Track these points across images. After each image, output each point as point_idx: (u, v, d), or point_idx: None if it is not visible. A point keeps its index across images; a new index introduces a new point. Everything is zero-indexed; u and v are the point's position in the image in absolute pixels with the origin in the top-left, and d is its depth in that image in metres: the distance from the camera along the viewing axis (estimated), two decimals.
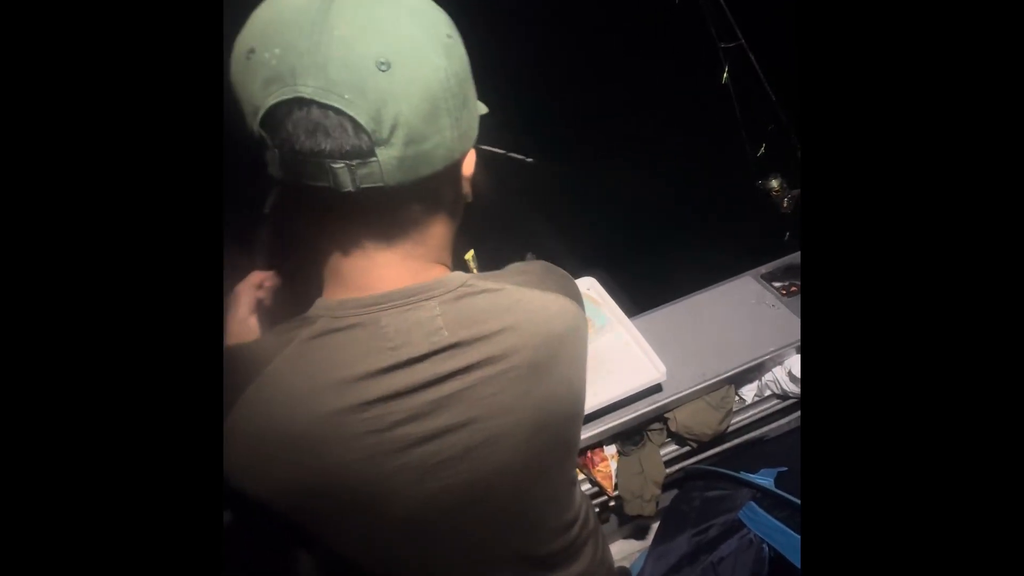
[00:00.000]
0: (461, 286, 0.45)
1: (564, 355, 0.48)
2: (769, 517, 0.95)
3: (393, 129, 0.37)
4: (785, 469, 1.00)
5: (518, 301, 0.46)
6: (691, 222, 2.12)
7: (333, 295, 0.44)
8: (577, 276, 1.17)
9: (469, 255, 0.94)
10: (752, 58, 1.05)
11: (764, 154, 1.20)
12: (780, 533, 0.92)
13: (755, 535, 0.96)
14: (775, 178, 1.22)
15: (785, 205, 1.23)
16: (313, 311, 0.43)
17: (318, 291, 0.45)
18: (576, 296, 0.51)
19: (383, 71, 0.36)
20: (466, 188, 0.48)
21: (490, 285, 0.46)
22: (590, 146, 2.49)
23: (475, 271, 0.96)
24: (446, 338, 0.43)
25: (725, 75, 1.08)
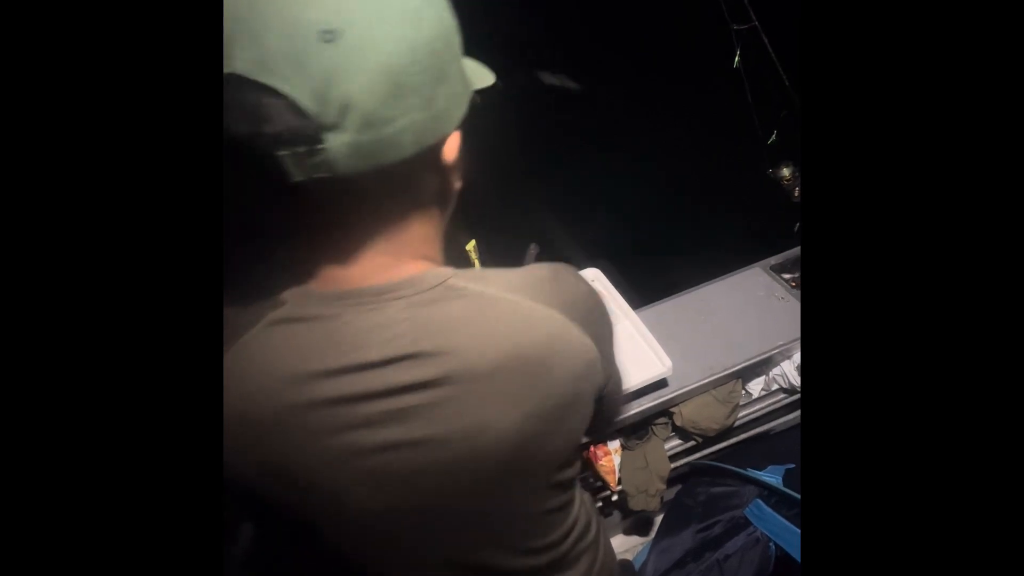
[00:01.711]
0: (438, 286, 0.40)
1: (540, 384, 0.41)
2: (776, 515, 0.93)
3: (343, 111, 0.32)
4: (793, 466, 0.98)
5: (499, 313, 0.41)
6: (699, 211, 2.09)
7: (303, 281, 0.41)
8: (581, 267, 1.15)
9: (470, 245, 0.92)
10: (765, 40, 1.01)
11: (775, 141, 1.16)
12: (788, 532, 0.90)
13: (762, 533, 0.94)
14: (786, 166, 1.19)
15: (797, 194, 1.20)
16: (285, 293, 0.40)
17: (299, 272, 0.41)
18: (576, 312, 0.43)
19: (328, 41, 0.31)
20: (451, 176, 0.42)
21: (471, 288, 0.41)
22: (595, 133, 2.46)
23: (476, 262, 0.93)
24: (406, 346, 0.39)
25: (737, 58, 1.04)
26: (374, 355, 0.39)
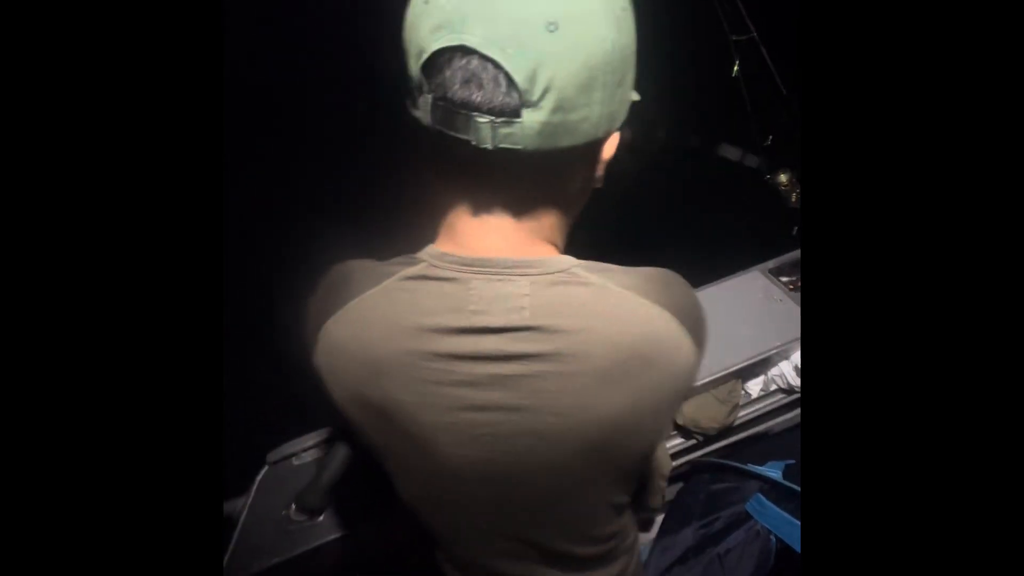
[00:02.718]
0: (561, 272, 0.44)
1: (641, 378, 0.43)
2: (777, 509, 0.95)
3: (545, 92, 0.37)
4: (793, 461, 1.00)
5: (612, 304, 0.43)
6: (699, 216, 2.12)
7: (441, 244, 0.45)
8: None
9: None
10: (764, 51, 1.04)
11: (773, 148, 1.19)
12: (788, 524, 0.92)
13: (762, 527, 0.96)
14: (784, 172, 1.22)
15: (794, 200, 1.22)
16: (420, 254, 0.45)
17: (434, 236, 0.47)
18: (686, 318, 0.45)
19: (551, 31, 0.36)
20: (599, 171, 0.47)
21: (592, 279, 0.44)
22: None
23: None
24: (525, 319, 0.42)
25: (736, 68, 1.07)
26: (495, 321, 0.42)
